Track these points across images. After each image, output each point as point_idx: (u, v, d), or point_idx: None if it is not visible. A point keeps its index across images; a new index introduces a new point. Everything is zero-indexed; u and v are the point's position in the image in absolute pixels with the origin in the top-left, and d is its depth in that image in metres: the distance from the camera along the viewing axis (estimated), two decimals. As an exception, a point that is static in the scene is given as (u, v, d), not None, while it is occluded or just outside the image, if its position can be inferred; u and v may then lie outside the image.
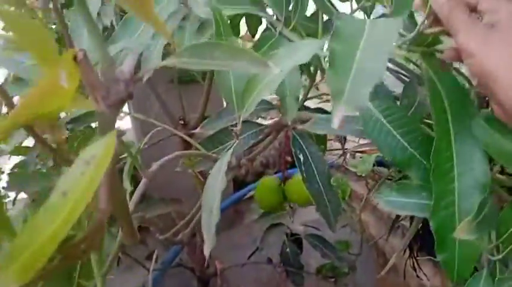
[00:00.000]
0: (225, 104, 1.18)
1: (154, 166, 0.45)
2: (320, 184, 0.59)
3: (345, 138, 0.71)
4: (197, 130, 0.63)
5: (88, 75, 0.20)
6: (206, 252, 0.39)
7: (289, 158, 1.86)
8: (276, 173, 1.70)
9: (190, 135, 0.66)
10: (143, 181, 0.46)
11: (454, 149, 0.42)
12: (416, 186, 0.48)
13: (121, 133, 1.23)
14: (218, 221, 0.41)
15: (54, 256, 0.21)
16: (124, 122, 1.30)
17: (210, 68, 0.31)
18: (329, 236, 1.10)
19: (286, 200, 0.84)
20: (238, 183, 1.59)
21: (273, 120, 0.63)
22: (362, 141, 1.57)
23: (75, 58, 0.19)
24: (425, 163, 0.44)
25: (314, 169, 0.60)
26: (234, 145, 0.48)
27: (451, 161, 0.42)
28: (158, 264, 1.09)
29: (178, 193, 1.30)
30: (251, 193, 1.52)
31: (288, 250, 1.03)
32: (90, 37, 0.20)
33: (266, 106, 0.62)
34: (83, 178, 0.18)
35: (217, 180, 0.43)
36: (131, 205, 0.44)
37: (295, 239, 1.08)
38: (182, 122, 0.81)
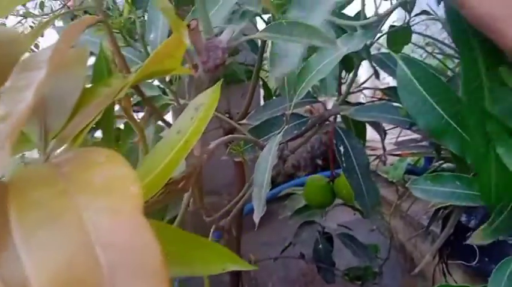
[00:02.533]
0: (262, 102, 1.23)
1: (212, 144, 0.50)
2: (359, 175, 0.63)
3: (384, 133, 0.74)
4: (244, 121, 0.67)
5: (197, 42, 0.24)
6: (256, 219, 0.44)
7: (319, 161, 1.89)
8: (307, 175, 1.73)
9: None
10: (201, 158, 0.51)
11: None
12: (450, 175, 0.51)
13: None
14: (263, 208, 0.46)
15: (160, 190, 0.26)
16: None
17: (289, 41, 0.35)
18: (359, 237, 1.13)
19: (335, 197, 0.87)
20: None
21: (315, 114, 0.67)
22: (392, 147, 1.59)
23: (188, 26, 0.24)
24: (460, 131, 0.45)
25: (354, 160, 0.63)
26: (283, 129, 0.52)
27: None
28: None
29: (217, 186, 1.35)
30: (281, 193, 1.56)
31: (320, 246, 1.06)
32: (198, 9, 0.25)
33: (311, 99, 0.66)
34: (193, 120, 0.23)
35: (268, 158, 0.48)
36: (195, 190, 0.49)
37: (327, 238, 1.11)
38: (228, 116, 0.86)
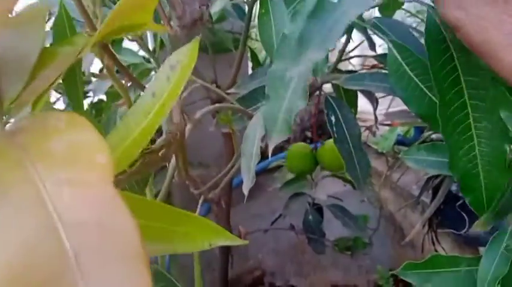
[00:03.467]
0: (250, 72, 1.20)
1: (198, 113, 0.47)
2: (351, 145, 0.61)
3: (376, 103, 0.72)
4: (232, 90, 0.65)
5: (172, -7, 0.22)
6: (245, 190, 0.42)
7: (309, 133, 1.88)
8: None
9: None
10: (188, 127, 0.48)
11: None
12: (445, 145, 0.49)
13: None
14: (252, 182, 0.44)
15: (137, 160, 0.23)
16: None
17: None
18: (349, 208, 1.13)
19: (317, 165, 0.86)
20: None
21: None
22: (382, 118, 1.58)
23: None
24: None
25: (345, 130, 0.61)
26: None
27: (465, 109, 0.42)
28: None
29: (205, 158, 1.33)
30: (271, 166, 1.55)
31: (310, 217, 1.06)
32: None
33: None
34: (169, 81, 0.21)
35: (257, 128, 0.46)
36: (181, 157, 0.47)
37: (317, 209, 1.10)
38: (215, 85, 0.83)
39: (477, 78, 0.41)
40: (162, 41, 0.65)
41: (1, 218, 0.11)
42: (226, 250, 1.19)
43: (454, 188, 1.00)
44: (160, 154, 0.23)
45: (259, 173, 1.55)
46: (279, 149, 1.72)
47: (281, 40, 0.36)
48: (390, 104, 1.29)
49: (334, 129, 0.61)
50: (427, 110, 0.46)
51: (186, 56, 0.20)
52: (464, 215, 0.95)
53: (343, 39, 0.64)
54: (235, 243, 0.30)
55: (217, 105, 0.51)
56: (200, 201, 0.64)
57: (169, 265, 1.11)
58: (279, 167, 1.42)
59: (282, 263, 1.44)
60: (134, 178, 0.22)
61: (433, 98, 0.46)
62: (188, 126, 0.48)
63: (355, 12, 0.32)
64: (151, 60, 0.61)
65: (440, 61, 0.41)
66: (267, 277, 1.42)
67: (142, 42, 0.59)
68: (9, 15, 0.19)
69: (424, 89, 0.46)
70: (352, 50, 0.81)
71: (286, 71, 0.35)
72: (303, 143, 0.89)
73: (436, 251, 1.21)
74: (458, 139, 0.40)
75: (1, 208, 0.11)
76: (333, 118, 0.62)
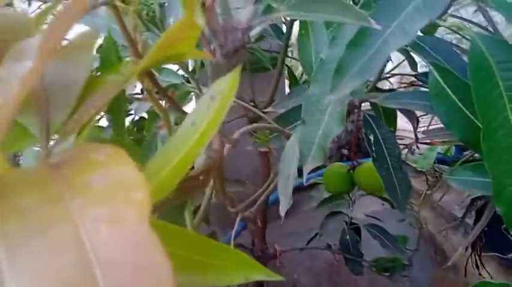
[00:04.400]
0: (287, 91, 1.20)
1: (237, 133, 0.48)
2: (390, 165, 0.60)
3: (417, 121, 0.70)
4: (269, 109, 0.65)
5: (212, 21, 0.22)
6: (282, 212, 0.42)
7: (345, 151, 1.85)
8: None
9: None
10: (226, 146, 0.49)
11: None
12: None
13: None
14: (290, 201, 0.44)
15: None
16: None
17: (315, 19, 0.32)
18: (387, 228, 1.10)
19: (353, 186, 0.85)
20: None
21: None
22: (421, 136, 1.54)
23: (203, 4, 0.22)
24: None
25: (384, 149, 0.60)
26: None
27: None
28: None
29: (241, 176, 1.34)
30: (308, 183, 1.54)
31: (347, 237, 1.04)
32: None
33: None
34: (209, 111, 0.21)
35: (295, 149, 0.46)
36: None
37: (354, 229, 1.08)
38: (252, 104, 0.84)
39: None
40: (202, 62, 0.66)
41: (39, 254, 0.11)
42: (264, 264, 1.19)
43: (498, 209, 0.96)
44: (200, 178, 0.23)
45: (295, 191, 1.54)
46: (316, 167, 1.71)
47: (319, 66, 0.36)
48: (430, 122, 1.26)
49: (373, 148, 0.60)
50: (470, 136, 0.45)
51: (226, 86, 0.21)
52: (510, 237, 0.91)
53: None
54: (271, 278, 0.29)
55: (254, 125, 0.51)
56: (238, 220, 0.64)
57: None
58: (315, 184, 1.40)
59: (317, 283, 1.41)
60: (173, 204, 0.22)
61: (477, 122, 0.44)
62: (226, 147, 0.49)
63: (399, 43, 0.32)
64: (191, 81, 0.62)
65: (485, 88, 0.40)
66: (302, 296, 1.40)
67: (182, 63, 0.60)
68: (60, 45, 0.20)
69: (468, 113, 0.45)
70: (392, 69, 0.80)
71: (323, 96, 0.35)
72: (340, 163, 0.88)
73: (480, 275, 1.16)
74: (504, 169, 0.39)
75: (40, 244, 0.11)
76: (371, 137, 0.61)
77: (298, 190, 1.51)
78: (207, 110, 0.20)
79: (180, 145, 0.20)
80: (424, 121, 1.41)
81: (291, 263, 1.38)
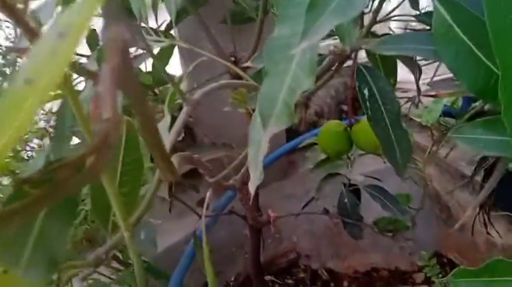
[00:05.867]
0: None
1: (199, 92, 0.40)
2: (388, 124, 0.52)
3: (419, 71, 0.61)
4: (247, 63, 0.56)
5: None
6: (251, 189, 0.34)
7: (345, 107, 1.76)
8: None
9: (242, 71, 0.60)
10: (184, 108, 0.40)
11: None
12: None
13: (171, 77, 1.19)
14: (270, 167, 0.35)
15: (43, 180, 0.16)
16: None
17: None
18: (389, 189, 1.03)
19: (352, 145, 0.77)
20: (291, 133, 1.53)
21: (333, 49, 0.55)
22: (426, 88, 1.44)
23: None
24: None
25: (381, 106, 0.52)
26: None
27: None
28: (210, 211, 1.06)
29: (230, 139, 1.26)
30: (305, 143, 1.46)
31: (346, 200, 0.97)
32: None
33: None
34: (54, 57, 0.12)
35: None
36: (171, 135, 0.39)
37: (353, 190, 1.01)
38: (233, 59, 0.75)
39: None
40: None
41: None
42: (257, 233, 1.13)
43: (510, 164, 0.88)
44: (82, 167, 0.15)
45: (292, 151, 1.46)
46: (312, 124, 1.62)
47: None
48: (436, 71, 1.16)
49: (368, 105, 0.52)
50: (485, 85, 0.36)
51: (80, 14, 0.12)
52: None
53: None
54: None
55: (222, 82, 0.42)
56: (208, 194, 0.56)
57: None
58: (312, 144, 1.32)
59: (317, 245, 1.36)
60: (49, 201, 0.15)
61: (493, 67, 0.36)
62: (196, 96, 0.40)
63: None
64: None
65: (505, 22, 0.31)
66: (302, 259, 1.35)
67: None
68: None
69: (482, 56, 0.36)
70: (392, 10, 0.70)
71: (293, 40, 0.26)
72: (336, 121, 0.79)
73: (488, 234, 1.09)
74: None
75: None
76: (366, 92, 0.52)
77: (294, 150, 1.44)
78: (51, 56, 0.12)
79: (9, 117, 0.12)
80: (429, 71, 1.30)
81: (288, 227, 1.33)
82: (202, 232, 0.75)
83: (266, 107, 0.29)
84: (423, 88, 1.36)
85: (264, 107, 0.29)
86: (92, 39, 0.87)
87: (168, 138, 0.42)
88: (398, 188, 1.12)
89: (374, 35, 0.64)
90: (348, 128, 0.77)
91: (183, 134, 1.16)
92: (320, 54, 0.54)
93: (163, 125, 0.43)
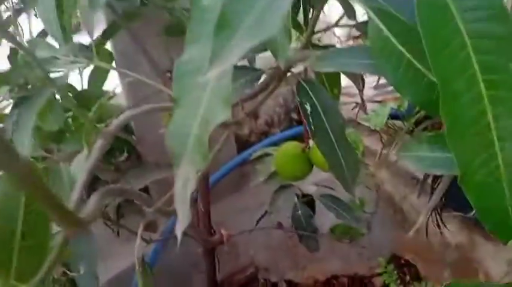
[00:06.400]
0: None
1: (115, 122, 0.35)
2: (333, 139, 0.49)
3: (363, 82, 0.59)
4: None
5: None
6: (178, 233, 0.30)
7: (295, 115, 1.74)
8: (282, 131, 1.59)
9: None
10: (98, 142, 0.36)
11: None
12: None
13: (110, 96, 1.12)
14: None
15: None
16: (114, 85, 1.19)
17: None
18: (342, 194, 1.01)
19: (311, 167, 0.72)
20: (241, 144, 1.49)
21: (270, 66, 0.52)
22: (373, 92, 1.45)
23: None
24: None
25: (325, 120, 0.49)
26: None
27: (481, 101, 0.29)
28: (158, 234, 1.01)
29: (167, 157, 1.21)
30: (256, 155, 1.43)
31: (299, 212, 0.94)
32: None
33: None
34: None
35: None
36: (81, 178, 0.34)
37: (307, 201, 0.98)
38: (169, 75, 0.70)
39: (494, 56, 0.28)
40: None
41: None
42: (211, 251, 1.08)
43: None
44: None
45: (244, 163, 1.43)
46: (263, 133, 1.60)
47: (196, 12, 0.23)
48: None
49: (311, 120, 0.49)
50: (427, 97, 0.34)
51: None
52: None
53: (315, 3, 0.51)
54: None
55: (148, 106, 0.38)
56: (140, 228, 0.52)
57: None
58: (263, 155, 1.29)
59: (275, 257, 1.33)
60: None
61: (434, 80, 0.33)
62: (111, 127, 0.36)
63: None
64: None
65: (440, 35, 0.29)
66: (261, 273, 1.32)
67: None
68: None
69: (421, 67, 0.34)
70: (339, 21, 0.68)
71: (204, 62, 0.23)
72: (292, 142, 0.75)
73: (442, 234, 1.10)
74: (472, 146, 0.28)
75: None
76: (308, 107, 0.49)
77: (244, 162, 1.40)
78: None
79: None
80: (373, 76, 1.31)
81: (244, 241, 1.29)
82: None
83: (177, 144, 0.25)
84: (370, 92, 1.36)
85: (174, 145, 0.25)
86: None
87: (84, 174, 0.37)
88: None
89: (315, 45, 0.62)
90: (306, 149, 0.73)
91: (126, 154, 1.09)
92: (256, 70, 0.51)
93: (80, 160, 0.38)
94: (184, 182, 0.31)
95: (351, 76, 0.56)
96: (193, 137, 0.24)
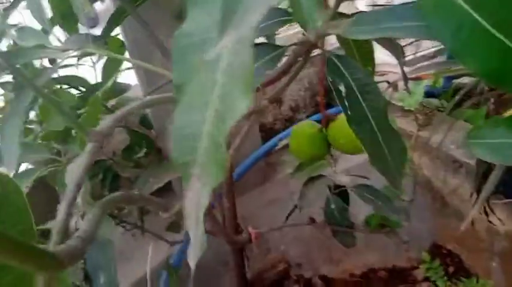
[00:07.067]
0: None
1: (105, 123, 0.28)
2: (374, 125, 0.41)
3: (403, 53, 0.50)
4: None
5: None
6: (191, 263, 0.23)
7: (320, 98, 1.64)
8: (308, 116, 1.50)
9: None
10: (89, 145, 0.29)
11: None
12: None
13: (125, 88, 1.06)
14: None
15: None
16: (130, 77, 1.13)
17: None
18: (375, 181, 0.93)
19: (329, 148, 0.66)
20: (266, 132, 1.42)
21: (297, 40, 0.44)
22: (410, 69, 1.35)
23: None
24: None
25: (363, 103, 0.41)
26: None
27: None
28: (182, 234, 0.95)
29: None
30: (283, 142, 1.35)
31: (333, 206, 0.86)
32: None
33: (280, 18, 0.43)
34: None
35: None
36: (74, 187, 0.27)
37: (340, 192, 0.90)
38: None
39: None
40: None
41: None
42: (239, 249, 1.02)
43: None
44: None
45: (270, 152, 1.35)
46: (288, 120, 1.51)
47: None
48: (417, 49, 1.06)
49: (346, 103, 0.41)
50: (500, 65, 0.26)
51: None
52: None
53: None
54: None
55: (148, 98, 0.31)
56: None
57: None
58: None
59: (308, 252, 1.26)
60: None
61: (507, 42, 0.25)
62: (101, 127, 0.29)
63: None
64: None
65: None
66: (293, 269, 1.25)
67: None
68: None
69: (490, 28, 0.25)
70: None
71: (210, 35, 0.16)
72: (308, 121, 0.69)
73: (490, 222, 1.00)
74: None
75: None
76: (342, 88, 0.41)
77: (272, 152, 1.32)
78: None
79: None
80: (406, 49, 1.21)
81: (274, 235, 1.22)
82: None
83: (182, 149, 0.18)
84: (399, 69, 1.24)
85: (180, 150, 0.18)
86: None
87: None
88: (385, 180, 1.02)
89: (342, 15, 0.54)
90: (323, 128, 0.67)
91: (145, 150, 1.03)
92: (279, 46, 0.43)
93: (75, 166, 0.32)
94: (196, 200, 0.23)
95: (389, 46, 0.47)
96: (205, 139, 0.17)
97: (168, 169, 0.90)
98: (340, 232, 0.86)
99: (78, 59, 0.83)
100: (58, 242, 0.25)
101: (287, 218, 0.97)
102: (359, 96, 0.41)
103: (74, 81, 0.97)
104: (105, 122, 0.28)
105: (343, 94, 0.41)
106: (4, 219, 0.24)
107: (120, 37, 0.99)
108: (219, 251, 1.20)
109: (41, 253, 0.19)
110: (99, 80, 0.97)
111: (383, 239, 1.21)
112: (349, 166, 1.13)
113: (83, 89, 0.99)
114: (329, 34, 0.39)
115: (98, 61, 1.10)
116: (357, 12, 0.51)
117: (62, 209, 0.26)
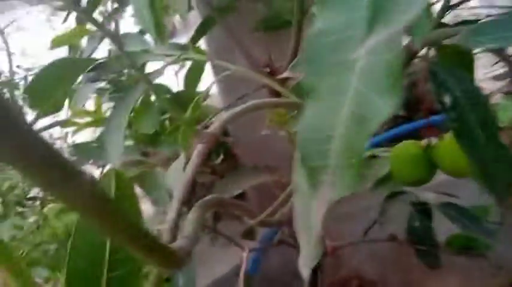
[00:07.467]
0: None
1: (216, 122, 0.28)
2: (483, 141, 0.38)
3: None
4: (285, 74, 0.44)
5: None
6: (304, 273, 0.22)
7: (400, 111, 1.58)
8: (385, 130, 1.44)
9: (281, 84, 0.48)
10: (198, 146, 0.29)
11: None
12: None
13: (205, 96, 1.09)
14: None
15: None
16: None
17: None
18: (462, 202, 0.87)
19: (435, 170, 0.61)
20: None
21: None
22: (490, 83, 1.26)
23: None
24: None
25: (471, 117, 0.38)
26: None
27: None
28: (257, 241, 0.95)
29: (275, 159, 1.14)
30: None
31: (417, 223, 0.82)
32: None
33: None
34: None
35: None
36: (180, 187, 0.28)
37: (423, 210, 0.86)
38: (268, 70, 0.63)
39: None
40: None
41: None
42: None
43: None
44: None
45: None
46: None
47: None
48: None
49: (453, 116, 0.38)
50: None
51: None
52: None
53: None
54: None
55: (253, 102, 0.31)
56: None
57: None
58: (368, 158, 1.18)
59: (383, 269, 1.21)
60: None
61: None
62: (199, 147, 0.29)
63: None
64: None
65: None
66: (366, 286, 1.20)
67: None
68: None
69: None
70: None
71: (349, 33, 0.15)
72: (410, 141, 0.63)
73: None
74: None
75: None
76: (447, 99, 0.39)
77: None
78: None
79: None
80: (488, 65, 1.13)
81: (347, 249, 1.18)
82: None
83: (312, 153, 0.17)
84: (486, 84, 1.18)
85: (308, 154, 0.18)
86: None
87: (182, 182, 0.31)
88: (471, 198, 0.95)
89: (443, 25, 0.51)
90: (428, 149, 0.61)
91: (222, 156, 1.05)
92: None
93: (177, 166, 0.32)
94: (318, 207, 0.22)
95: (499, 55, 0.44)
96: (339, 142, 0.16)
97: (244, 177, 0.91)
98: (423, 251, 0.82)
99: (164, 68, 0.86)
100: (169, 241, 0.25)
101: (365, 233, 0.93)
102: (466, 108, 0.38)
103: (159, 88, 1.01)
104: (216, 124, 0.29)
105: (449, 106, 0.39)
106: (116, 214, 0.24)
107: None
108: (290, 261, 1.18)
109: (165, 249, 0.19)
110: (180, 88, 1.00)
111: (465, 261, 1.14)
112: (432, 183, 1.07)
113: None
114: (437, 43, 0.37)
115: (179, 70, 1.14)
116: (460, 22, 0.48)
117: (173, 208, 0.26)
